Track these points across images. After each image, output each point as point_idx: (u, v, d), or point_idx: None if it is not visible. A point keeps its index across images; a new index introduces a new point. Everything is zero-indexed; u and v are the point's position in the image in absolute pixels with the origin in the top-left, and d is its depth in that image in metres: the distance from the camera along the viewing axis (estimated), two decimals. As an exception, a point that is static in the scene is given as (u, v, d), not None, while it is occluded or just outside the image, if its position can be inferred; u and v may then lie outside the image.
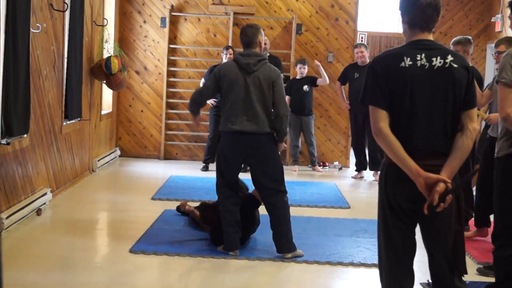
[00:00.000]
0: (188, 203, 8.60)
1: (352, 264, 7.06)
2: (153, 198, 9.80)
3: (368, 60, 12.19)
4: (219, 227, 7.32)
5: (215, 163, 12.64)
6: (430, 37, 4.46)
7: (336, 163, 13.80)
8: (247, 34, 7.25)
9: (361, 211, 9.62)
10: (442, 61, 4.32)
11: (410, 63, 4.31)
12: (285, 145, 8.00)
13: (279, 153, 7.41)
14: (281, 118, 7.11)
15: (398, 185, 4.38)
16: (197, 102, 7.45)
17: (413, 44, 4.41)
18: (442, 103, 4.32)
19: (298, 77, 12.86)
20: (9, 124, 7.54)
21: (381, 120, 4.32)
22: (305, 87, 12.73)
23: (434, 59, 4.32)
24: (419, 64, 4.31)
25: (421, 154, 4.29)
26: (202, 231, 7.92)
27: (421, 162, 4.24)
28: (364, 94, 4.44)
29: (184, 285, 6.42)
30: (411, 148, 4.29)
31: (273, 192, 7.22)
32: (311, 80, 12.85)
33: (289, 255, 7.13)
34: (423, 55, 4.33)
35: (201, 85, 12.57)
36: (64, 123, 9.94)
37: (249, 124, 7.10)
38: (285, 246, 7.18)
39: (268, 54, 12.57)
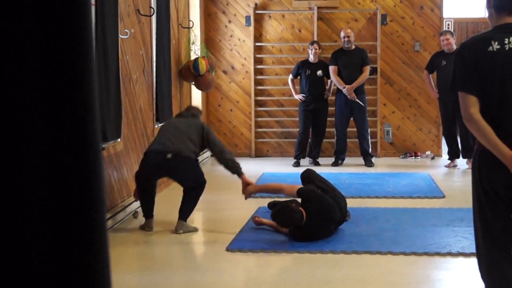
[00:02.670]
0: (258, 217, 8.29)
1: (450, 254, 6.96)
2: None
3: (454, 47, 12.00)
4: (295, 226, 7.34)
5: (306, 157, 12.67)
6: None
7: (428, 152, 13.65)
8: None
9: (457, 200, 9.49)
10: None
11: (498, 47, 4.26)
12: None
13: None
14: None
15: (493, 172, 4.33)
16: None
17: (500, 28, 4.35)
18: None
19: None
20: (103, 129, 7.70)
21: (471, 105, 4.28)
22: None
23: None
24: (507, 48, 4.26)
25: (510, 139, 4.24)
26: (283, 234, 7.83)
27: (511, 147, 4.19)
28: (453, 80, 4.41)
29: (282, 281, 6.44)
30: (503, 133, 4.23)
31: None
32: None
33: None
34: (511, 38, 4.27)
35: (289, 81, 12.64)
36: (156, 126, 10.08)
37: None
38: None
39: (353, 47, 12.52)
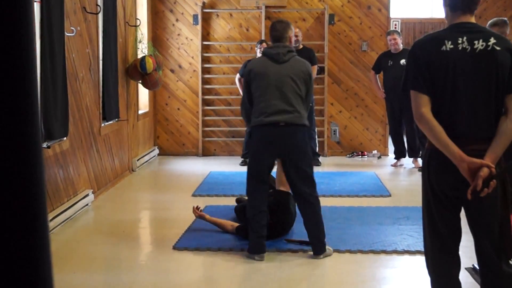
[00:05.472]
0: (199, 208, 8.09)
1: (395, 251, 7.03)
2: (193, 195, 9.84)
3: (401, 47, 12.12)
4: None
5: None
6: (472, 19, 4.42)
7: (374, 152, 13.75)
8: (277, 29, 7.07)
9: (402, 199, 9.58)
10: (484, 44, 4.27)
11: (451, 46, 4.28)
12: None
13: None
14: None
15: (442, 172, 4.36)
16: (247, 112, 7.14)
17: (454, 27, 4.38)
18: (485, 86, 4.29)
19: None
20: (49, 128, 7.62)
21: (423, 105, 4.30)
22: None
23: (476, 42, 4.28)
24: (460, 48, 4.28)
25: (465, 139, 4.27)
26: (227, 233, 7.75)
27: (466, 147, 4.22)
28: (406, 80, 4.43)
29: (228, 280, 6.44)
30: (455, 134, 4.27)
31: (306, 193, 6.96)
32: None
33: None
34: (464, 38, 4.29)
35: (236, 81, 12.58)
36: (103, 125, 10.02)
37: (284, 116, 6.77)
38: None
39: (301, 46, 12.55)
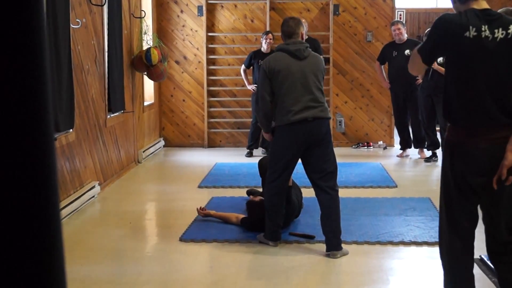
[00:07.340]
0: (203, 208, 8.11)
1: (402, 243, 7.02)
2: (199, 186, 9.84)
3: (405, 37, 12.07)
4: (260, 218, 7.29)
5: (259, 148, 12.63)
6: (486, 4, 4.45)
7: (380, 142, 13.74)
8: (290, 25, 6.93)
9: (409, 190, 9.57)
10: (504, 32, 4.31)
11: (475, 34, 4.31)
12: None
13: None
14: None
15: (466, 162, 4.37)
16: (266, 111, 6.93)
17: (479, 13, 4.36)
18: (505, 75, 4.34)
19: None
20: (55, 120, 7.62)
21: (417, 66, 4.63)
22: None
23: (496, 30, 4.32)
24: (483, 36, 4.31)
25: (484, 127, 4.31)
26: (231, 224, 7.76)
27: (485, 136, 4.27)
28: (421, 46, 4.63)
29: (235, 271, 6.44)
30: (473, 121, 4.30)
31: (327, 187, 6.82)
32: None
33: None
34: (486, 26, 4.32)
35: (241, 72, 12.56)
36: (108, 116, 10.03)
37: (311, 111, 6.76)
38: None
39: (306, 37, 12.53)
